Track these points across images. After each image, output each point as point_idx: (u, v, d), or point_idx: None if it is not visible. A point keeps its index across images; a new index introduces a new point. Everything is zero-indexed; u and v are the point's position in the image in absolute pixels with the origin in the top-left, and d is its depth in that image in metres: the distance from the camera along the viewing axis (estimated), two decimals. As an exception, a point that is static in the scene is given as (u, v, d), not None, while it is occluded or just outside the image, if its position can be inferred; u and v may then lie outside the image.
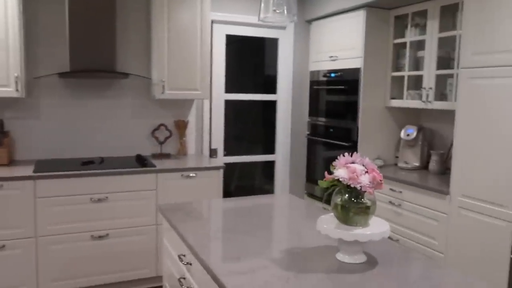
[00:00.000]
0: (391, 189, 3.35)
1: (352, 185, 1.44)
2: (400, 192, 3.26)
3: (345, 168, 1.47)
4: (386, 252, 1.66)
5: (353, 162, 1.52)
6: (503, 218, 2.52)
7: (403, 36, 3.64)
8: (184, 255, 1.86)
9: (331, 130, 4.08)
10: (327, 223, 1.54)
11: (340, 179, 1.45)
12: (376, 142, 3.82)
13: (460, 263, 2.78)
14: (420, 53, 3.50)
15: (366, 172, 1.47)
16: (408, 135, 3.64)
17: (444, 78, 3.30)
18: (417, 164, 3.64)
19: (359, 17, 3.67)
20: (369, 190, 1.44)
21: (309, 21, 4.41)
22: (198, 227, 1.94)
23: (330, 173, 1.55)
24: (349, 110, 3.83)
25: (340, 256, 1.56)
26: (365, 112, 3.72)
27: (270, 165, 4.56)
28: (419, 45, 3.52)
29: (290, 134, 4.49)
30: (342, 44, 3.90)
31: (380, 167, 3.61)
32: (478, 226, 2.67)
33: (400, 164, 3.71)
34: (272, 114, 4.51)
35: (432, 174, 3.43)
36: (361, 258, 1.54)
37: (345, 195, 1.51)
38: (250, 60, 4.50)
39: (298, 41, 4.41)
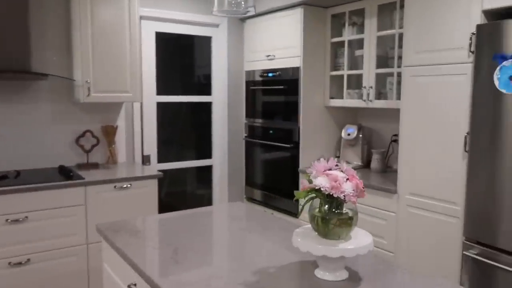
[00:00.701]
0: (336, 190, 3.28)
1: (335, 195, 1.28)
2: (346, 192, 3.21)
3: (325, 176, 1.32)
4: (367, 265, 1.53)
5: (330, 169, 1.37)
6: (452, 215, 2.54)
7: (340, 35, 3.61)
8: (135, 285, 1.59)
9: (271, 131, 3.95)
10: (305, 238, 1.37)
11: (322, 189, 1.29)
12: (318, 142, 3.76)
13: (411, 261, 2.78)
14: (358, 52, 3.49)
15: (347, 179, 1.32)
16: (349, 134, 3.62)
17: (383, 77, 3.31)
18: (359, 163, 3.63)
19: (296, 15, 3.58)
20: (353, 199, 1.30)
21: (243, 19, 4.25)
22: (149, 249, 1.68)
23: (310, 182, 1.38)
24: (289, 110, 3.72)
25: (320, 274, 1.40)
26: (306, 112, 3.64)
27: (207, 170, 4.33)
28: (357, 44, 3.51)
29: (227, 137, 4.30)
30: (279, 43, 3.78)
31: (322, 167, 3.55)
32: (427, 223, 2.68)
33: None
34: (208, 116, 4.29)
35: (375, 172, 3.43)
36: (343, 275, 1.39)
37: (324, 205, 1.35)
38: (183, 59, 4.23)
39: (232, 40, 4.23)
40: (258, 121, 4.11)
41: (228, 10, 1.59)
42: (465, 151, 2.45)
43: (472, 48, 2.37)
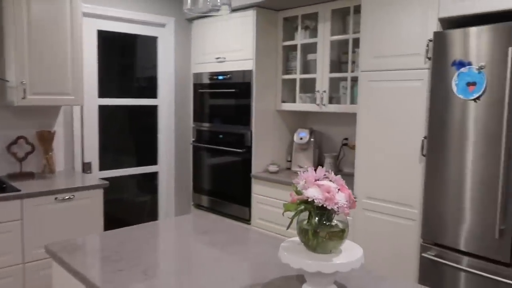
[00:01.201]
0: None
1: (329, 207, 1.21)
2: (302, 197, 3.18)
3: (316, 187, 1.24)
4: (354, 278, 1.47)
5: (317, 179, 1.29)
6: (409, 217, 2.58)
7: (292, 38, 3.59)
8: (100, 313, 1.41)
9: (221, 136, 3.84)
10: (293, 253, 1.29)
11: (315, 200, 1.21)
12: (270, 147, 3.71)
13: (368, 265, 2.80)
14: (310, 56, 3.49)
15: (338, 189, 1.26)
16: (301, 138, 3.60)
17: (336, 81, 3.33)
18: (312, 166, 3.61)
19: (248, 17, 3.50)
20: (347, 211, 1.23)
21: (190, 20, 4.10)
22: (115, 273, 1.50)
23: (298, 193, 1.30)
24: (241, 114, 3.63)
25: (309, 290, 1.32)
26: (258, 116, 3.57)
27: (153, 177, 4.12)
28: (310, 48, 3.51)
29: (174, 142, 4.11)
30: (230, 45, 3.68)
31: (275, 172, 3.50)
32: (384, 227, 2.71)
33: (294, 168, 3.65)
34: (154, 120, 4.08)
35: (328, 176, 3.43)
36: (333, 289, 1.32)
37: (315, 218, 1.27)
38: (127, 60, 3.99)
39: (180, 41, 4.07)
40: (207, 125, 3.98)
41: (201, 8, 1.47)
42: (422, 155, 2.50)
43: (429, 55, 2.43)
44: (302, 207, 1.26)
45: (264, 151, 3.65)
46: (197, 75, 4.04)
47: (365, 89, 2.77)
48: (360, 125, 2.83)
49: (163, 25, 3.99)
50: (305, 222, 1.31)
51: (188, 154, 4.21)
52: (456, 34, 2.25)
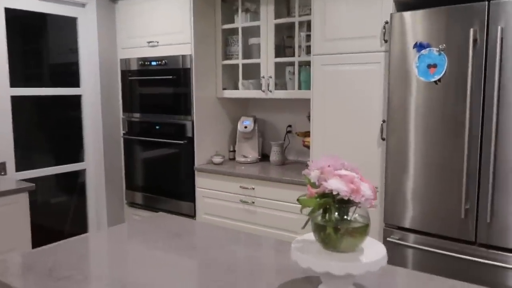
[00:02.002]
0: (241, 187, 3.09)
1: (356, 200, 1.07)
2: (253, 188, 3.03)
3: (337, 178, 1.09)
4: (372, 277, 1.36)
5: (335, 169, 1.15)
6: (369, 202, 2.56)
7: (232, 21, 3.39)
8: None
9: (157, 127, 3.54)
10: (312, 254, 1.13)
11: (340, 193, 1.07)
12: (212, 137, 3.50)
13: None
14: (252, 40, 3.32)
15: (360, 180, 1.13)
16: (245, 127, 3.44)
17: (282, 66, 3.21)
18: (256, 156, 3.48)
19: (184, -3, 3.24)
20: (373, 204, 1.10)
21: (114, 0, 3.70)
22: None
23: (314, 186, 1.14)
24: (180, 103, 3.37)
25: (327, 293, 1.18)
26: (199, 105, 3.34)
27: (80, 175, 3.69)
28: (251, 31, 3.34)
29: (102, 136, 3.71)
30: (163, 28, 3.38)
31: (220, 164, 3.31)
32: (344, 213, 2.66)
33: (239, 158, 3.49)
34: (78, 112, 3.64)
35: (275, 165, 3.32)
36: (352, 291, 1.20)
37: (334, 213, 1.13)
38: (43, 44, 3.49)
39: (104, 23, 3.66)
40: (140, 116, 3.64)
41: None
42: (382, 138, 2.48)
43: (386, 37, 2.40)
44: (322, 201, 1.11)
45: (207, 142, 3.43)
46: (125, 61, 3.67)
47: (319, 73, 2.68)
48: (314, 110, 2.74)
49: (83, 5, 3.55)
50: (319, 218, 1.16)
51: (119, 148, 3.83)
52: (415, 15, 2.24)
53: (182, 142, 3.37)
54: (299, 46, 3.04)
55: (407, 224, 2.37)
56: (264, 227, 3.02)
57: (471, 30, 2.05)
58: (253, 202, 3.05)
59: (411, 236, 2.35)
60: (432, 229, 2.28)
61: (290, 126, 3.54)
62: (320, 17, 2.63)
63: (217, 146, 3.55)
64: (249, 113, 3.72)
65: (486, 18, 2.03)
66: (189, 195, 3.39)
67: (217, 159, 3.36)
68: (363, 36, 2.49)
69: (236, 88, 3.50)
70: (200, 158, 3.37)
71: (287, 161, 3.44)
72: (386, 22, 2.39)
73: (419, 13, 2.22)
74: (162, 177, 3.55)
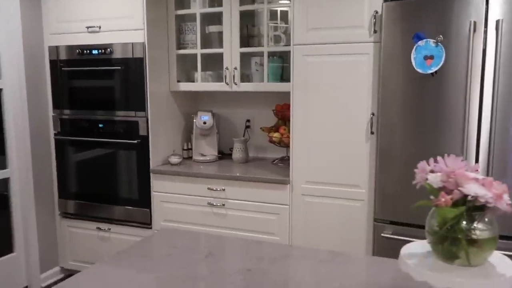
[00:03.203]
0: (209, 188, 2.82)
1: (502, 207, 0.94)
2: (223, 189, 2.79)
3: (474, 182, 0.95)
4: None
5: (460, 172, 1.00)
6: (356, 198, 2.49)
7: (188, 6, 3.07)
8: None
9: (101, 125, 3.08)
10: (426, 265, 0.98)
11: (485, 199, 0.92)
12: (167, 135, 3.15)
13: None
14: (211, 28, 3.05)
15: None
16: (204, 122, 3.16)
17: (246, 57, 2.99)
18: (215, 154, 3.22)
19: (134, -24, 2.84)
20: (510, 209, 0.98)
21: (39, -24, 3.13)
22: None
23: (434, 193, 0.98)
24: (131, 97, 2.97)
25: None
26: (154, 99, 2.97)
27: (3, 185, 3.08)
28: (209, 18, 3.06)
29: (29, 137, 3.14)
30: (108, 11, 2.94)
31: (177, 164, 3.01)
32: (327, 211, 2.56)
33: (196, 157, 3.20)
34: (-2, 109, 3.03)
35: (240, 163, 3.11)
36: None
37: (468, 221, 0.98)
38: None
39: (27, 4, 3.07)
40: (76, 113, 3.14)
41: None
42: (371, 132, 2.41)
43: (376, 27, 2.32)
44: (461, 209, 0.95)
45: (162, 141, 3.08)
46: (56, 49, 3.13)
47: (300, 64, 2.53)
48: (295, 104, 2.58)
49: (2, -20, 2.93)
50: (436, 226, 1.01)
51: (50, 151, 3.28)
52: (410, 5, 2.19)
53: (134, 141, 2.97)
54: (268, 36, 2.85)
55: (401, 219, 2.33)
56: (237, 231, 2.79)
57: (469, 22, 2.06)
58: (223, 205, 2.80)
59: (406, 230, 2.32)
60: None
61: (249, 121, 3.34)
62: (301, 4, 2.47)
63: (173, 145, 3.21)
64: (201, 108, 3.44)
65: (484, 10, 2.04)
66: (144, 200, 3.02)
67: (175, 159, 3.03)
68: (350, 26, 2.39)
69: (191, 80, 3.19)
70: (155, 159, 3.02)
71: (249, 158, 3.24)
72: (376, 12, 2.31)
73: (414, 3, 2.17)
74: (107, 182, 3.11)
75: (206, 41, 3.09)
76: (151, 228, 3.03)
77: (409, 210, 2.30)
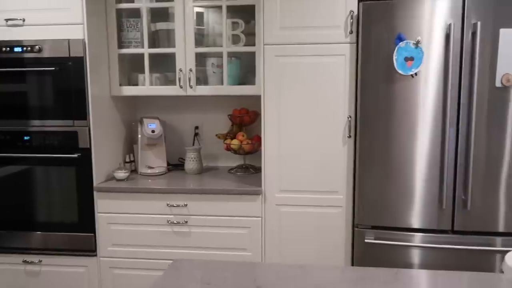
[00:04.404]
0: (169, 205, 2.51)
1: None
2: (185, 205, 2.50)
3: None
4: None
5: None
6: (334, 205, 2.40)
7: (131, 0, 2.72)
8: None
9: (27, 137, 2.57)
10: None
11: None
12: (111, 146, 2.76)
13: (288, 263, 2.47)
14: (159, 25, 2.74)
15: None
16: (153, 131, 2.82)
17: (201, 58, 2.74)
18: (165, 166, 2.90)
19: (69, -38, 2.43)
20: None
21: None
22: None
23: None
24: (67, 104, 2.52)
25: None
26: (96, 106, 2.57)
27: None
28: (156, 14, 2.75)
29: None
30: (35, 1, 2.47)
31: (124, 180, 2.65)
32: (305, 220, 2.43)
33: (143, 170, 2.84)
34: None
35: (194, 174, 2.84)
36: None
37: None
38: None
39: None
40: (-7, 124, 2.59)
41: None
42: (348, 136, 2.34)
43: (352, 28, 2.26)
44: None
45: (105, 154, 2.68)
46: (-38, 46, 2.55)
47: (272, 65, 2.36)
48: (266, 108, 2.40)
49: None
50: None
51: (-44, 171, 2.66)
52: (387, 5, 2.16)
53: (73, 155, 2.53)
54: (226, 35, 2.64)
55: (383, 223, 2.29)
56: (203, 250, 2.52)
57: (446, 24, 2.09)
58: (186, 222, 2.51)
59: (388, 234, 2.29)
60: (410, 224, 2.26)
61: (197, 127, 3.08)
62: (273, 2, 2.31)
63: (116, 158, 2.82)
64: (144, 115, 3.09)
65: (461, 13, 2.09)
66: (86, 224, 2.59)
67: (121, 174, 2.65)
68: (326, 26, 2.29)
69: (133, 83, 2.84)
70: (100, 174, 2.61)
71: (203, 168, 2.97)
72: (352, 12, 2.25)
73: (391, 3, 2.14)
74: (36, 205, 2.61)
75: (152, 39, 2.76)
76: (96, 255, 2.61)
77: (391, 213, 2.27)
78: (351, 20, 2.26)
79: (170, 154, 3.07)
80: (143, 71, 2.74)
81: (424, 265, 2.26)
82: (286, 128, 2.39)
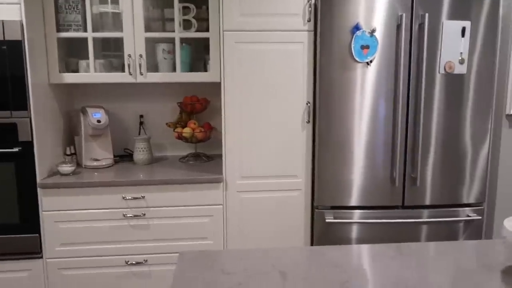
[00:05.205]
0: (125, 198, 2.39)
1: None
2: (143, 197, 2.40)
3: None
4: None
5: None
6: (294, 188, 2.47)
7: (69, -21, 2.50)
8: None
9: (-47, 131, 2.27)
10: None
11: None
12: (53, 139, 2.53)
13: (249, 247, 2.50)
14: (102, 8, 2.56)
15: None
16: (98, 121, 2.65)
17: (150, 44, 2.62)
18: (112, 157, 2.75)
19: None
20: None
21: None
22: None
23: None
24: (3, 93, 2.27)
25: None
26: (36, 95, 2.35)
27: None
28: (99, -4, 2.57)
29: None
30: (-42, -25, 2.17)
31: (70, 174, 2.48)
32: (266, 204, 2.47)
33: (88, 163, 2.67)
34: None
35: (143, 165, 2.72)
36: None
37: None
38: None
39: None
40: None
41: None
42: (307, 121, 2.42)
43: (310, 16, 2.32)
44: None
45: (47, 147, 2.46)
46: None
47: (232, 52, 2.34)
48: (227, 96, 2.38)
49: None
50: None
51: None
52: (344, -4, 2.25)
53: (13, 150, 2.29)
54: (178, 20, 2.55)
55: (341, 203, 2.42)
56: (163, 242, 2.45)
57: (398, 15, 2.25)
58: (144, 214, 2.42)
59: (346, 213, 2.42)
60: (366, 202, 2.41)
61: (142, 116, 2.95)
62: (231, -13, 2.28)
63: (58, 151, 2.60)
64: (84, 104, 2.88)
65: (411, 5, 2.25)
66: (29, 224, 2.37)
67: (66, 168, 2.46)
68: (286, 13, 2.32)
69: (73, 70, 2.63)
70: (43, 170, 2.39)
71: (153, 158, 2.87)
72: (309, 0, 2.31)
73: (349, -6, 2.25)
74: (-33, 207, 2.32)
75: (95, 23, 2.57)
76: (41, 257, 2.40)
77: (348, 194, 2.40)
78: (310, 9, 2.32)
79: (114, 145, 2.91)
80: (82, 57, 2.55)
81: (379, 239, 2.43)
82: (247, 115, 2.39)
